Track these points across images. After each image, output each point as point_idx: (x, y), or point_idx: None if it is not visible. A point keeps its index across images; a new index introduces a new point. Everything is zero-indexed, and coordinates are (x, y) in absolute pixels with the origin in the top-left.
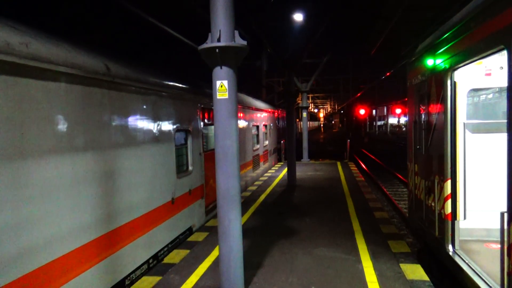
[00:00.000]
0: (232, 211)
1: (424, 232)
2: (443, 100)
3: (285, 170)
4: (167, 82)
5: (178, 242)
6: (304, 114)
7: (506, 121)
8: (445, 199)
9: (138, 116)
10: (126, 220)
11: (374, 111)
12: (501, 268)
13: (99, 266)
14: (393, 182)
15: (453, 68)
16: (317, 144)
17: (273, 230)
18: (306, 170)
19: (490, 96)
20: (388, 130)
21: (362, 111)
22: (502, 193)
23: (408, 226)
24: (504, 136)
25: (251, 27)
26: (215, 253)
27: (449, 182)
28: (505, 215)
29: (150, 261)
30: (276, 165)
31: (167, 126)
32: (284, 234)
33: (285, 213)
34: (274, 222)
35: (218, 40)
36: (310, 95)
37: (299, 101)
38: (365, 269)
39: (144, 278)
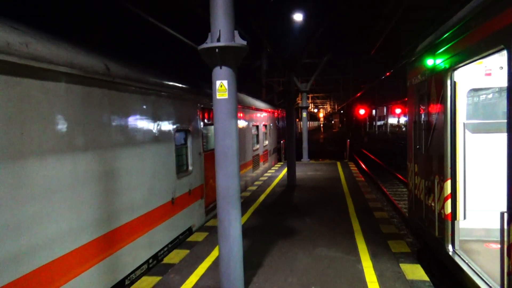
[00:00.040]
0: (232, 211)
1: (424, 232)
2: (443, 100)
3: (285, 170)
4: (167, 82)
5: (178, 242)
6: (304, 114)
7: (506, 121)
8: (445, 199)
9: (138, 116)
10: (126, 220)
11: (374, 111)
12: (501, 268)
13: (99, 266)
14: (393, 182)
15: (453, 68)
16: (317, 144)
17: (273, 230)
18: (306, 170)
19: (490, 96)
20: (388, 130)
21: (362, 111)
22: (502, 193)
23: (408, 226)
24: (504, 136)
25: (251, 27)
26: (215, 253)
27: (449, 182)
28: (505, 215)
29: (150, 261)
30: (276, 165)
31: (167, 126)
32: (284, 234)
33: (285, 213)
34: (274, 222)
35: (218, 40)
36: (310, 95)
37: (299, 101)
38: (365, 269)
39: (144, 278)
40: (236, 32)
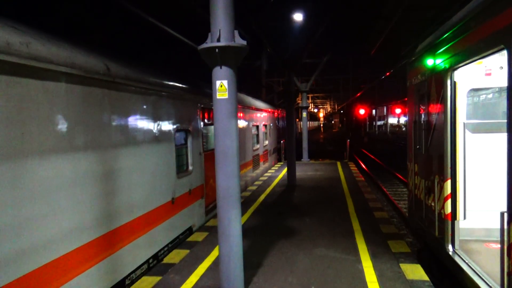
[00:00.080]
0: (232, 211)
1: (424, 232)
2: (443, 100)
3: (285, 170)
4: (167, 82)
5: (178, 242)
6: (304, 114)
7: (506, 121)
8: (445, 199)
9: (138, 116)
10: (127, 220)
11: (374, 111)
12: (501, 268)
13: (100, 266)
14: (392, 182)
15: (453, 68)
16: (317, 144)
17: (273, 230)
18: (306, 170)
19: (490, 96)
20: (388, 130)
21: (362, 111)
22: (502, 193)
23: (408, 226)
24: (504, 136)
25: (251, 27)
26: (215, 253)
27: (449, 182)
28: (505, 215)
29: (150, 261)
30: (276, 165)
31: (167, 126)
32: (284, 234)
33: (285, 213)
34: (274, 222)
35: (218, 40)
36: (310, 95)
37: (299, 101)
38: (365, 269)
39: (144, 278)
40: (236, 32)
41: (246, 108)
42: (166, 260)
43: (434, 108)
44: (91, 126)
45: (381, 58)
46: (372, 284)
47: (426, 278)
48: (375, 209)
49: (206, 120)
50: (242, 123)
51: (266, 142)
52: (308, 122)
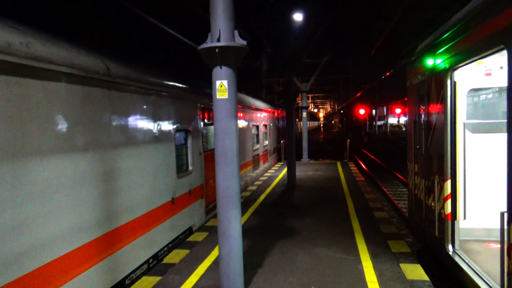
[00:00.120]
0: (232, 211)
1: (424, 232)
2: (443, 100)
3: (285, 170)
4: (167, 82)
5: (178, 242)
6: (304, 114)
7: (506, 121)
8: (445, 199)
9: (138, 116)
10: (127, 220)
11: (374, 111)
12: (501, 268)
13: (100, 266)
14: (392, 182)
15: (453, 68)
16: (317, 144)
17: (273, 230)
18: (306, 170)
19: (490, 96)
20: (388, 130)
21: (362, 111)
22: (502, 193)
23: (408, 226)
24: (504, 136)
25: (251, 27)
26: (215, 253)
27: (449, 182)
28: (505, 215)
29: (150, 261)
30: (276, 165)
31: (167, 126)
32: (284, 234)
33: (285, 213)
34: (274, 222)
35: (218, 40)
36: (310, 95)
37: (299, 101)
38: (365, 269)
39: (144, 278)
40: (236, 32)
41: (246, 108)
42: (166, 260)
43: (434, 108)
44: (91, 126)
45: (381, 58)
46: (372, 284)
47: (426, 278)
48: (375, 209)
49: (206, 120)
50: (242, 123)
51: (266, 142)
52: (308, 122)
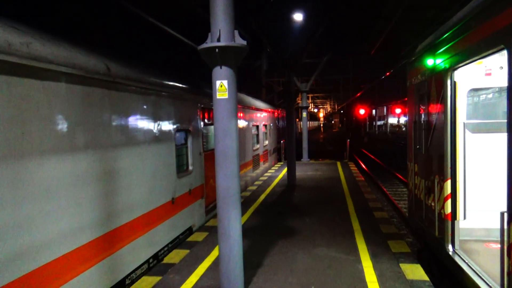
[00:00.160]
0: (232, 211)
1: (424, 232)
2: (443, 100)
3: (285, 170)
4: (167, 82)
5: (178, 242)
6: (304, 114)
7: (506, 121)
8: (445, 199)
9: (138, 116)
10: (127, 220)
11: (374, 111)
12: (501, 268)
13: (100, 266)
14: (392, 182)
15: (453, 68)
16: (317, 144)
17: (273, 230)
18: (306, 170)
19: (490, 96)
20: (388, 130)
21: (362, 111)
22: (502, 193)
23: (408, 226)
24: (504, 136)
25: (251, 27)
26: (215, 253)
27: (449, 182)
28: (505, 215)
29: (150, 260)
30: (276, 165)
31: (167, 126)
32: (284, 234)
33: (285, 213)
34: (274, 222)
35: (218, 40)
36: (310, 95)
37: (299, 101)
38: (365, 269)
39: (144, 278)
40: (236, 32)
41: (246, 108)
42: (166, 260)
43: (434, 108)
44: (91, 126)
45: (381, 58)
46: (372, 284)
47: (426, 278)
48: (375, 209)
49: (206, 120)
50: (242, 123)
51: (266, 142)
52: (308, 122)
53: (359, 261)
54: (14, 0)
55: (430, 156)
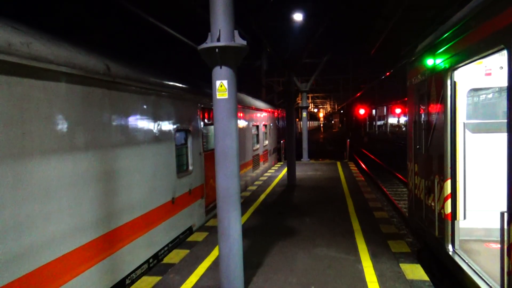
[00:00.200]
0: (232, 211)
1: (424, 232)
2: (443, 100)
3: (285, 170)
4: (167, 82)
5: (178, 242)
6: (304, 114)
7: (506, 121)
8: (445, 199)
9: (138, 116)
10: (127, 220)
11: (374, 111)
12: (501, 268)
13: (100, 266)
14: (392, 182)
15: (453, 67)
16: (317, 143)
17: (273, 230)
18: (306, 170)
19: (490, 96)
20: (388, 130)
21: (362, 111)
22: (502, 193)
23: (408, 226)
24: (504, 136)
25: (251, 27)
26: (215, 253)
27: (449, 182)
28: (505, 214)
29: (151, 260)
30: (276, 165)
31: (167, 126)
32: (284, 234)
33: (285, 213)
34: (274, 222)
35: (218, 40)
36: (310, 95)
37: (299, 101)
38: (365, 269)
39: (144, 278)
40: (236, 32)
41: (246, 108)
42: (166, 260)
43: (434, 108)
44: (91, 126)
45: (381, 58)
46: (372, 284)
47: (426, 278)
48: (375, 209)
49: (206, 120)
50: (242, 123)
51: (266, 142)
52: (308, 122)
53: (359, 261)
54: (14, 0)
55: (430, 156)
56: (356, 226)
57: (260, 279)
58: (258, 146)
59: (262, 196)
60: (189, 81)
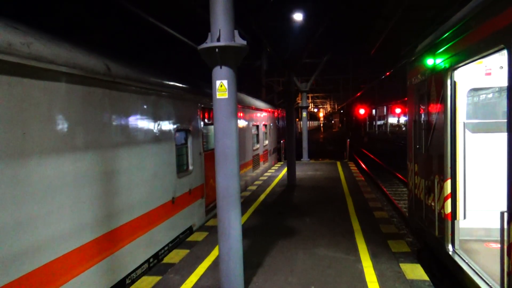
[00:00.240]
0: (232, 211)
1: (424, 231)
2: (443, 100)
3: (285, 169)
4: (167, 82)
5: (178, 242)
6: (304, 114)
7: (506, 120)
8: (445, 199)
9: (138, 116)
10: (127, 220)
11: (374, 111)
12: (501, 268)
13: (101, 265)
14: (392, 181)
15: (453, 67)
16: (317, 143)
17: (273, 229)
18: (306, 169)
19: (490, 95)
20: (388, 129)
21: (362, 111)
22: (502, 193)
23: (408, 225)
24: (504, 136)
25: (251, 27)
26: (215, 253)
27: (449, 181)
28: (505, 214)
29: (151, 260)
30: (276, 165)
31: (167, 126)
32: (284, 234)
33: (285, 212)
34: (274, 221)
35: (218, 40)
36: (310, 95)
37: (299, 101)
38: (365, 269)
39: (144, 277)
40: (236, 32)
41: (246, 108)
42: (166, 259)
43: (434, 108)
44: (91, 126)
45: (381, 58)
46: (372, 284)
47: (426, 278)
48: (375, 209)
49: (206, 120)
50: (242, 123)
51: (266, 142)
52: (308, 122)
53: (359, 261)
54: (14, 0)
55: (430, 156)
56: (356, 226)
57: (260, 279)
58: (258, 146)
59: (262, 196)
60: (189, 81)
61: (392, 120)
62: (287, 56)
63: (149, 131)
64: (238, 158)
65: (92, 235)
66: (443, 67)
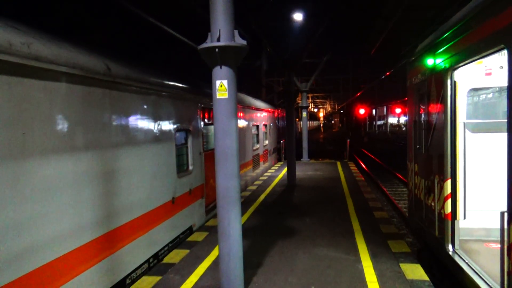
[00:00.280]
0: (232, 211)
1: (424, 231)
2: (443, 100)
3: (285, 169)
4: (167, 82)
5: (178, 242)
6: (304, 114)
7: (506, 120)
8: (445, 199)
9: (138, 116)
10: (127, 220)
11: (374, 111)
12: (501, 268)
13: (101, 265)
14: (392, 181)
15: (453, 67)
16: (317, 143)
17: (273, 229)
18: (306, 169)
19: (490, 95)
20: (388, 129)
21: (362, 111)
22: (502, 193)
23: (408, 225)
24: (504, 136)
25: (251, 27)
26: (215, 253)
27: (449, 181)
28: (505, 214)
29: (151, 260)
30: (276, 165)
31: (167, 126)
32: (284, 234)
33: (285, 212)
34: (274, 221)
35: (218, 40)
36: (310, 95)
37: (299, 101)
38: (365, 269)
39: (144, 278)
40: (236, 32)
41: (246, 108)
42: (166, 259)
43: (434, 108)
44: (91, 126)
45: (381, 58)
46: (372, 284)
47: (426, 278)
48: (375, 209)
49: (206, 120)
50: (242, 123)
51: (266, 142)
52: (308, 122)
53: (359, 261)
54: (14, 0)
55: (430, 156)
56: (356, 226)
57: (260, 279)
58: (258, 146)
59: (262, 196)
60: (189, 81)
61: (392, 120)
62: (287, 56)
63: (149, 131)
64: (238, 158)
65: (92, 235)
66: (443, 67)
